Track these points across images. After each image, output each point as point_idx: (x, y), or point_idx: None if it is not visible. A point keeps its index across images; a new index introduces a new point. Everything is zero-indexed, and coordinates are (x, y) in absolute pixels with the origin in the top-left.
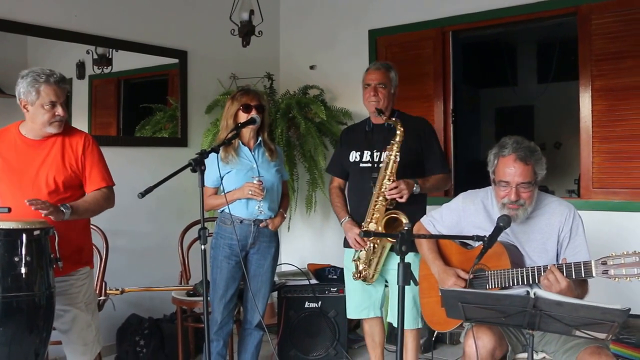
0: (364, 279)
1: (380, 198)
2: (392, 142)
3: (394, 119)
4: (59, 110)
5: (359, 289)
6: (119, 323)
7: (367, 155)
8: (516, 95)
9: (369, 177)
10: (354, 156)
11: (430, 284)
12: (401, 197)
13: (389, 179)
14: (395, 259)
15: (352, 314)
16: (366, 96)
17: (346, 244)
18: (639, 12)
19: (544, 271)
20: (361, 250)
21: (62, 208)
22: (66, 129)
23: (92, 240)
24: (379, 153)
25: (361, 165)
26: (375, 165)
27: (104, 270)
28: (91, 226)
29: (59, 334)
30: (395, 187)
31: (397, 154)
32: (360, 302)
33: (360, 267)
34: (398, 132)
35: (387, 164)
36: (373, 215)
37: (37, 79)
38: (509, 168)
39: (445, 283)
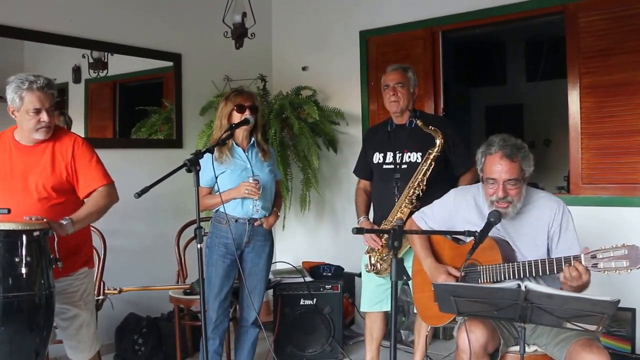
0: (377, 272)
1: (407, 200)
2: (429, 151)
3: (432, 127)
4: (44, 117)
5: (372, 284)
6: (117, 322)
7: (389, 156)
8: (506, 94)
9: (392, 178)
10: (377, 157)
11: (423, 278)
12: None
13: (419, 185)
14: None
15: (365, 307)
16: (386, 97)
17: None
18: (625, 9)
19: (535, 265)
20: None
21: (62, 222)
22: (57, 134)
23: (91, 241)
24: (401, 154)
25: (384, 166)
26: (398, 166)
27: (102, 270)
28: (90, 227)
29: (59, 332)
30: None
31: (433, 163)
32: (373, 296)
33: (373, 260)
34: (438, 142)
35: (421, 170)
36: (397, 215)
37: (20, 85)
38: (495, 165)
39: (436, 280)
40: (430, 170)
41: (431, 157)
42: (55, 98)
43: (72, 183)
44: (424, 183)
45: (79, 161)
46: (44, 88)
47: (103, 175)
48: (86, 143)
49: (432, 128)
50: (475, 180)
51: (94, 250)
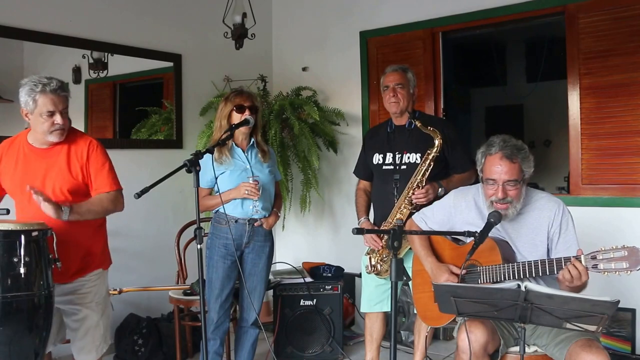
0: (378, 273)
1: (406, 201)
2: (428, 151)
3: (431, 128)
4: (58, 119)
5: (372, 284)
6: (117, 323)
7: (389, 157)
8: (506, 94)
9: (391, 179)
10: (377, 158)
11: (423, 279)
12: (427, 201)
13: (418, 186)
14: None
15: (365, 307)
16: (386, 98)
17: None
18: (625, 10)
19: (535, 266)
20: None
21: (61, 207)
22: (72, 135)
23: (106, 242)
24: (400, 155)
25: (384, 167)
26: (397, 167)
27: None
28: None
29: (68, 332)
30: (424, 193)
31: (432, 163)
32: (373, 296)
33: (374, 261)
34: (436, 142)
35: (420, 171)
36: (396, 216)
37: (33, 88)
38: (495, 166)
39: (438, 279)
40: (430, 170)
41: (430, 157)
42: (68, 100)
43: (87, 184)
44: (423, 183)
45: (92, 164)
46: (57, 90)
47: (113, 182)
48: (101, 146)
49: (431, 129)
50: (470, 182)
51: None
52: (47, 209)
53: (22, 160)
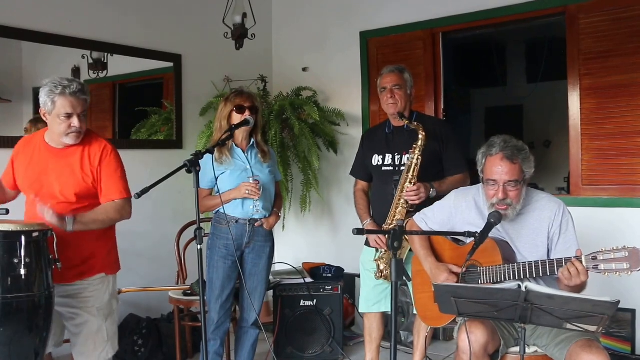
0: (386, 278)
1: (402, 201)
2: (414, 145)
3: (415, 123)
4: (75, 122)
5: (371, 285)
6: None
7: (388, 158)
8: (506, 95)
9: (391, 180)
10: (376, 160)
11: (423, 279)
12: (419, 200)
13: (410, 182)
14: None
15: (363, 308)
16: (384, 99)
17: (367, 243)
18: (625, 11)
19: (535, 266)
20: (383, 251)
21: (66, 217)
22: (88, 138)
23: (114, 247)
24: (400, 156)
25: (383, 168)
26: (397, 168)
27: None
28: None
29: (68, 336)
30: (415, 190)
31: (419, 157)
32: (371, 297)
33: (382, 267)
34: (420, 136)
35: (409, 167)
36: (394, 217)
37: (53, 90)
38: (496, 167)
39: (438, 279)
40: (418, 165)
41: (417, 151)
42: (87, 103)
43: (97, 188)
44: (415, 180)
45: (104, 169)
46: (76, 93)
47: (123, 189)
48: (115, 152)
49: (416, 123)
50: (464, 185)
51: None
52: (52, 220)
53: (37, 157)
